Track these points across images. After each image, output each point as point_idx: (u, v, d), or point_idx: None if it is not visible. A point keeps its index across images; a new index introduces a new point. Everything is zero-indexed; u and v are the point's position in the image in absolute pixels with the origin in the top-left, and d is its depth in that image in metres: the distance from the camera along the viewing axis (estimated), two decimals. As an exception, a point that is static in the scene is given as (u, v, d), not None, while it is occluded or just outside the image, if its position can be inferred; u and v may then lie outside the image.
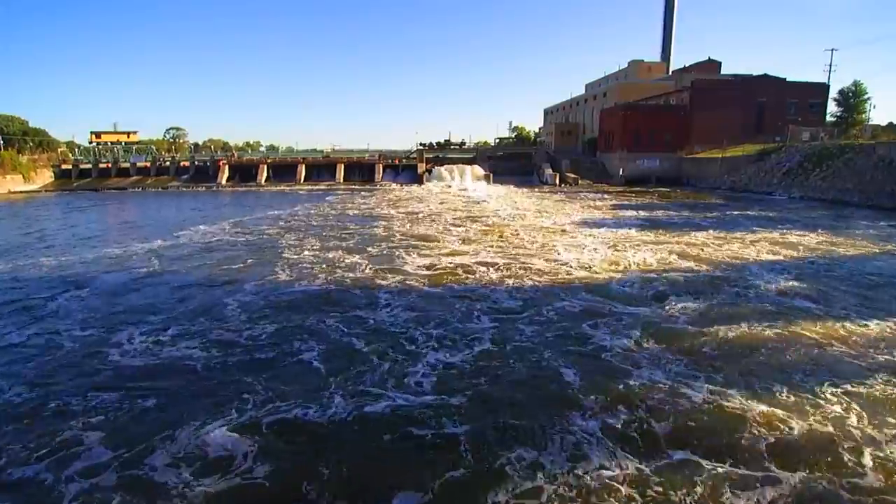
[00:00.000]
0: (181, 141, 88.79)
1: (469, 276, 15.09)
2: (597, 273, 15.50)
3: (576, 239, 21.80)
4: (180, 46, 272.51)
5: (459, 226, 25.69)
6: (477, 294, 13.03)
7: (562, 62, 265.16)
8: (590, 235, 22.69)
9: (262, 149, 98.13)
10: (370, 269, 16.14)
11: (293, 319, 11.38)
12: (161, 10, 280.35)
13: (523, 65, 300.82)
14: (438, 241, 21.10)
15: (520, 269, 15.95)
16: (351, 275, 15.39)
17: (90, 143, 65.97)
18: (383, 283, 14.30)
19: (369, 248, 19.72)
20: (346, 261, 17.37)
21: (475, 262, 16.73)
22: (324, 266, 16.57)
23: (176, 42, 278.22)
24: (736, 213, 31.80)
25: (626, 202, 39.19)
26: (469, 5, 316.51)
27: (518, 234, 22.88)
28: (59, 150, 64.56)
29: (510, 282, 14.28)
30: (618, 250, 18.91)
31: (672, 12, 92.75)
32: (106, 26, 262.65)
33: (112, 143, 65.96)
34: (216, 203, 43.15)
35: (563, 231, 24.03)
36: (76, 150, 68.37)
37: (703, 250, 18.97)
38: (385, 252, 18.94)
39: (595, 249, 19.08)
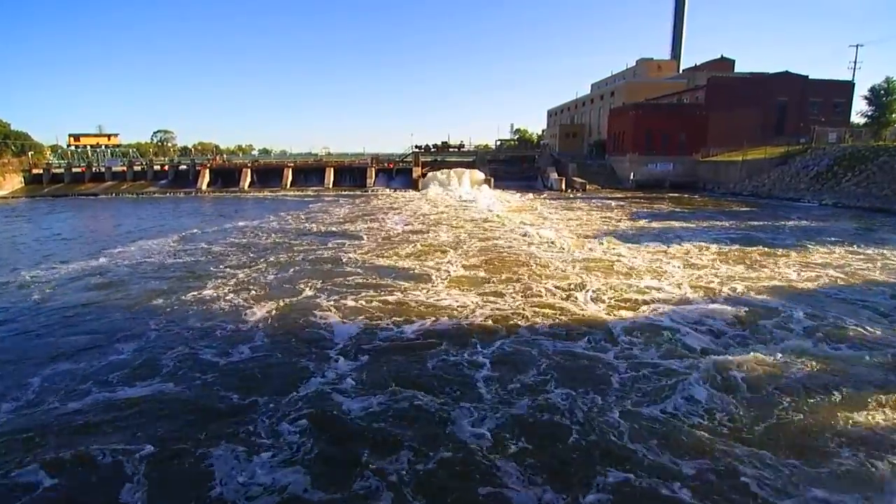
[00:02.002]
0: (169, 144, 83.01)
1: (448, 365, 8.42)
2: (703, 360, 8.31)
3: (632, 276, 14.60)
4: (171, 48, 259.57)
5: (450, 248, 19.28)
6: (453, 420, 6.61)
7: (565, 63, 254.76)
8: (644, 269, 15.54)
9: (254, 152, 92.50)
10: (289, 336, 9.96)
11: (89, 466, 5.58)
12: (153, 10, 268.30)
13: (525, 66, 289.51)
14: (413, 280, 14.18)
15: (545, 350, 8.94)
16: (239, 354, 9.06)
17: (68, 146, 60.46)
18: (286, 377, 8.18)
19: (305, 291, 13.46)
20: (257, 315, 11.15)
21: (464, 329, 10.09)
22: (224, 329, 10.50)
23: (167, 43, 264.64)
24: (783, 223, 26.45)
25: (651, 211, 33.18)
26: (468, 5, 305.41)
27: (536, 267, 15.64)
28: (31, 154, 59.03)
29: (527, 394, 7.27)
30: (710, 290, 12.74)
31: (683, 8, 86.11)
32: (94, 25, 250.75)
33: (92, 146, 60.44)
34: (185, 210, 38.03)
35: (599, 257, 17.21)
36: (56, 153, 62.96)
37: (815, 285, 13.04)
38: (325, 299, 12.55)
39: (662, 305, 11.77)
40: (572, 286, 13.47)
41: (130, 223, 31.05)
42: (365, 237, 22.14)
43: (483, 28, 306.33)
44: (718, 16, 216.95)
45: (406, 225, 26.99)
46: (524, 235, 22.38)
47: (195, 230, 26.52)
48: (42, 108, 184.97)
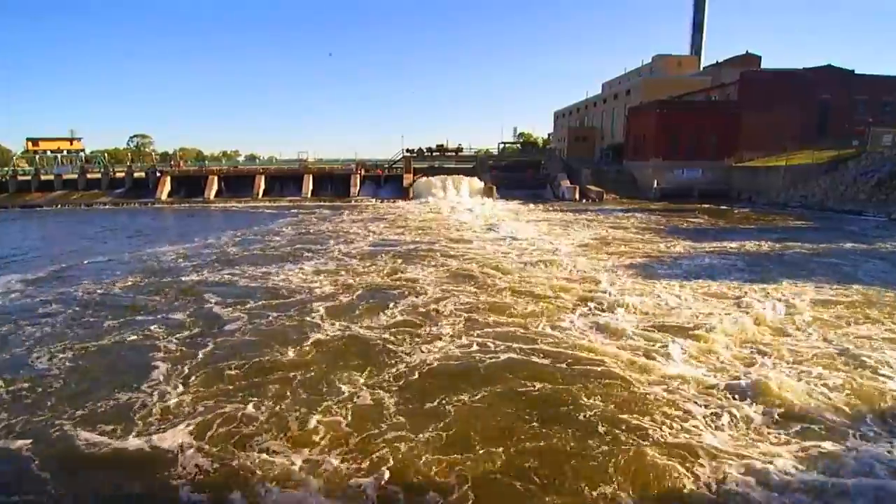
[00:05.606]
0: (147, 149, 75.35)
1: None
2: None
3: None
4: (160, 51, 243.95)
5: (426, 340, 10.69)
6: None
7: (570, 65, 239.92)
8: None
9: (239, 158, 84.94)
10: None
11: None
12: (138, 9, 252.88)
13: (528, 66, 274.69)
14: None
15: None
16: None
17: (26, 151, 52.99)
18: None
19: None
20: None
21: None
22: None
23: (155, 46, 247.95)
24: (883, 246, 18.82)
25: (706, 227, 25.16)
26: (467, 5, 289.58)
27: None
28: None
29: None
30: None
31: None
32: (78, 25, 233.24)
33: (52, 151, 52.87)
34: (120, 226, 30.84)
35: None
36: (12, 157, 55.39)
37: None
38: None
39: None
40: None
41: (28, 246, 23.57)
42: (260, 300, 12.54)
43: (482, 27, 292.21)
44: (737, 10, 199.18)
45: (362, 262, 18.96)
46: (578, 298, 13.98)
47: (85, 261, 18.88)
48: (17, 112, 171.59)
